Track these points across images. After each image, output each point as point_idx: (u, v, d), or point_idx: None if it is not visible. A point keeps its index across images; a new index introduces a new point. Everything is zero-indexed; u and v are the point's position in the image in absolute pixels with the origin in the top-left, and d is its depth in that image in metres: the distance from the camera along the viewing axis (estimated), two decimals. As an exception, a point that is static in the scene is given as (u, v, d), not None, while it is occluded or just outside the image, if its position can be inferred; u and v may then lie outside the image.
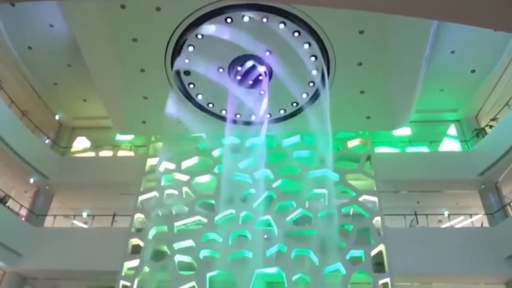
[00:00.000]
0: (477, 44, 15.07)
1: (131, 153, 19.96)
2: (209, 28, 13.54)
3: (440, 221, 18.91)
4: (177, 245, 15.26)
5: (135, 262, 15.17)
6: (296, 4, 12.08)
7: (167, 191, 16.72)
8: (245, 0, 12.55)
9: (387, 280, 14.07)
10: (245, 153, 17.07)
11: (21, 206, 17.41)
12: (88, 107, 19.42)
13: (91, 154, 20.40)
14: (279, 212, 15.67)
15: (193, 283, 14.44)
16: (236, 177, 16.60)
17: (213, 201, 16.25)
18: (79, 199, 19.84)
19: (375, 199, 15.97)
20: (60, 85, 18.17)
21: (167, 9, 13.08)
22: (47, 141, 19.77)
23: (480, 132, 17.68)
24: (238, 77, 15.07)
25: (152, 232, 15.74)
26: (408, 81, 15.06)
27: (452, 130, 19.16)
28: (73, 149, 20.49)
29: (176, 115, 15.48)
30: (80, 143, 20.74)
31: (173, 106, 15.30)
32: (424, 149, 18.64)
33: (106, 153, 20.21)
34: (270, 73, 15.07)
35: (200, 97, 16.03)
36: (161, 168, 17.32)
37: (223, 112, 16.52)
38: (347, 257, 14.52)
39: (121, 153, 20.15)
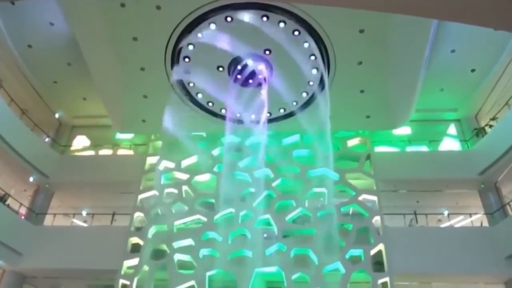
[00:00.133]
0: (477, 43, 15.07)
1: (131, 152, 19.96)
2: (209, 27, 13.52)
3: (439, 220, 18.91)
4: (176, 244, 15.26)
5: (134, 261, 15.18)
6: (296, 3, 12.12)
7: (167, 190, 16.72)
8: (245, -1, 12.56)
9: (387, 279, 14.08)
10: (245, 152, 17.07)
11: (21, 204, 17.41)
12: (88, 106, 19.41)
13: (91, 152, 20.42)
14: (279, 211, 15.67)
15: (192, 282, 14.45)
16: (236, 176, 16.60)
17: (212, 200, 16.26)
18: (78, 198, 19.85)
19: (374, 198, 15.98)
20: (60, 84, 18.16)
21: (167, 8, 13.05)
22: (47, 139, 19.79)
23: (480, 132, 17.70)
24: (238, 76, 15.05)
25: (151, 231, 15.75)
26: (408, 80, 15.06)
27: (452, 129, 19.18)
28: (73, 148, 20.52)
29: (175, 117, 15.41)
30: (80, 142, 20.76)
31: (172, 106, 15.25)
32: (424, 149, 18.66)
33: (105, 151, 20.23)
34: (270, 72, 15.05)
35: (200, 96, 16.02)
36: (161, 167, 17.33)
37: (223, 111, 16.51)
38: (347, 256, 14.52)
39: (120, 151, 20.17)
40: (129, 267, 15.21)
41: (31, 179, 17.79)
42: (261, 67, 14.80)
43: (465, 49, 15.40)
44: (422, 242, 15.29)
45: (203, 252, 15.11)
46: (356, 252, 14.65)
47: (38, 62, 16.86)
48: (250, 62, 14.60)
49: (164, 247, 15.34)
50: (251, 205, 15.76)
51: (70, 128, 20.97)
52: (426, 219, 17.20)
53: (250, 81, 15.17)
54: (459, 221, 17.81)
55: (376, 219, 15.42)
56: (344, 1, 4.40)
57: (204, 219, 15.79)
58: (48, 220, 18.00)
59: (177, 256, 15.08)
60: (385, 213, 15.78)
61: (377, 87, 15.64)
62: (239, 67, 14.83)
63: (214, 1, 12.80)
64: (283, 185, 16.46)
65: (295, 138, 17.52)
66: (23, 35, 15.70)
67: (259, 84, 15.16)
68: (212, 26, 13.47)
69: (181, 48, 14.22)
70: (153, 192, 16.77)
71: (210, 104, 16.34)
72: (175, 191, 16.65)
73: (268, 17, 13.14)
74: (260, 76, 14.97)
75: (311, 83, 15.25)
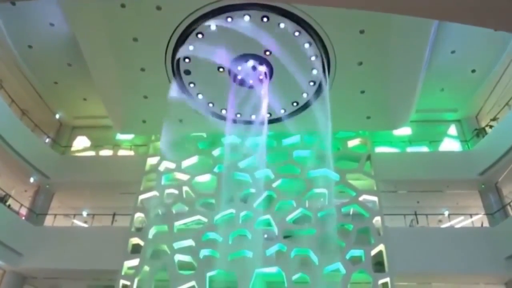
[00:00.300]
0: (478, 44, 15.07)
1: (131, 153, 19.96)
2: (209, 27, 13.53)
3: (440, 221, 18.91)
4: (177, 245, 15.26)
5: (135, 262, 15.18)
6: (297, 3, 12.11)
7: (167, 191, 16.72)
8: (246, 0, 12.55)
9: (387, 280, 14.08)
10: (245, 152, 17.07)
11: (21, 205, 17.42)
12: (88, 106, 19.41)
13: (91, 153, 20.42)
14: (279, 211, 15.66)
15: (193, 283, 14.44)
16: (236, 176, 16.60)
17: (213, 201, 16.25)
18: (79, 198, 19.84)
19: (375, 199, 15.97)
20: (60, 84, 18.17)
21: (168, 8, 13.06)
22: (47, 140, 19.78)
23: (480, 132, 17.69)
24: (239, 77, 15.06)
25: (152, 232, 15.74)
26: (408, 81, 15.06)
27: (452, 130, 19.16)
28: (73, 148, 20.51)
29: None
30: (80, 142, 20.76)
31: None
32: (424, 149, 18.65)
33: (106, 152, 20.22)
34: (270, 73, 15.06)
35: (200, 96, 16.03)
36: (161, 168, 17.33)
37: (224, 111, 16.51)
38: (347, 256, 14.51)
39: (121, 152, 20.15)
40: (129, 268, 15.21)
41: (31, 179, 17.80)
42: (262, 68, 14.80)
43: (465, 49, 15.40)
44: (422, 242, 15.28)
45: (204, 252, 15.11)
46: (357, 252, 14.64)
47: (38, 62, 16.87)
48: (250, 63, 14.60)
49: (165, 247, 15.34)
50: (251, 206, 15.75)
51: (71, 129, 20.96)
52: (426, 220, 17.18)
53: (251, 81, 15.19)
54: (460, 222, 17.81)
55: (377, 220, 15.41)
56: (344, 2, 4.41)
57: (205, 219, 15.79)
58: (48, 221, 18.00)
59: (178, 257, 15.08)
60: (386, 214, 15.76)
61: (378, 88, 15.65)
62: (239, 68, 14.84)
63: (214, 2, 12.81)
64: (284, 185, 16.45)
65: (295, 138, 17.51)
66: (24, 35, 15.72)
67: (259, 85, 15.16)
68: (213, 26, 13.47)
69: (181, 48, 14.21)
70: (154, 193, 16.77)
71: (211, 104, 16.35)
72: (176, 191, 16.65)
73: (268, 18, 13.15)
74: (260, 77, 14.97)
75: (311, 83, 15.25)
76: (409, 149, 18.54)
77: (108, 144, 20.15)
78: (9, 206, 16.39)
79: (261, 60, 14.67)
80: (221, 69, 14.91)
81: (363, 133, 17.80)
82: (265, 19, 13.19)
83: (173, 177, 17.32)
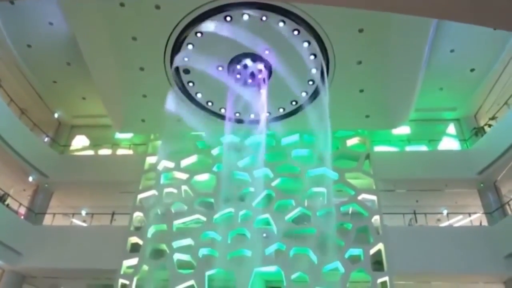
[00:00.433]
0: (477, 43, 15.07)
1: (130, 152, 19.94)
2: (208, 26, 13.51)
3: (439, 220, 18.95)
4: (176, 244, 15.26)
5: (134, 261, 15.18)
6: (296, 2, 12.11)
7: (166, 190, 16.72)
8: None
9: (386, 278, 14.09)
10: (244, 151, 17.07)
11: (20, 204, 17.41)
12: (87, 106, 19.39)
13: (90, 152, 20.41)
14: (278, 210, 15.67)
15: (192, 282, 14.45)
16: (235, 175, 16.60)
17: (212, 200, 16.25)
18: (78, 198, 19.83)
19: (374, 197, 15.98)
20: (59, 83, 18.14)
21: (167, 7, 13.05)
22: (46, 139, 19.76)
23: (479, 131, 17.70)
24: (238, 76, 15.05)
25: (151, 231, 15.74)
26: (407, 80, 15.07)
27: (451, 129, 19.18)
28: (72, 148, 20.49)
29: (175, 113, 15.47)
30: (79, 142, 20.73)
31: (172, 104, 15.30)
32: (423, 148, 18.67)
33: (105, 151, 20.20)
34: (269, 72, 15.06)
35: (199, 95, 16.02)
36: (160, 167, 17.33)
37: (222, 110, 16.51)
38: (346, 255, 14.52)
39: (120, 151, 20.14)
40: (128, 267, 15.21)
41: (30, 178, 17.78)
42: (261, 67, 14.80)
43: (464, 48, 15.41)
44: (421, 241, 15.30)
45: (203, 251, 15.12)
46: (356, 251, 14.65)
47: (37, 61, 16.84)
48: (249, 62, 14.59)
49: (164, 246, 15.34)
50: (250, 205, 15.76)
51: (70, 128, 20.94)
52: (425, 219, 17.22)
53: (250, 80, 15.17)
54: (459, 221, 17.84)
55: (376, 219, 15.42)
56: (344, 1, 4.41)
57: (204, 218, 15.79)
58: (47, 220, 17.99)
59: (177, 256, 15.08)
60: (385, 213, 15.77)
61: (377, 87, 15.65)
62: (238, 67, 14.84)
63: (213, 1, 12.80)
64: (283, 184, 16.46)
65: (294, 137, 17.51)
66: (23, 34, 15.69)
67: (259, 84, 15.16)
68: (212, 25, 13.45)
69: (180, 47, 14.21)
70: (153, 192, 16.77)
71: (210, 103, 16.35)
72: (175, 190, 16.65)
73: (267, 17, 13.14)
74: (259, 76, 14.97)
75: (310, 82, 15.25)
76: (408, 148, 18.55)
77: (107, 143, 20.13)
78: (7, 205, 16.37)
79: (260, 59, 14.66)
80: (220, 68, 14.90)
81: (362, 132, 17.80)
82: (264, 18, 13.18)
83: (172, 176, 17.32)
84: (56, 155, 18.86)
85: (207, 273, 14.55)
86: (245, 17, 13.22)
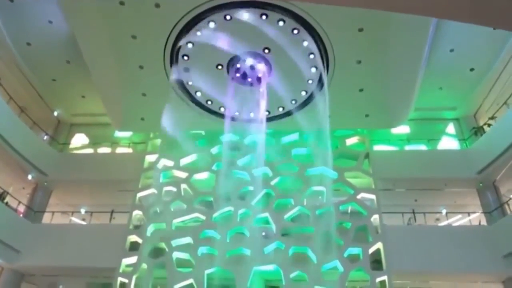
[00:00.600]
0: (476, 42, 15.06)
1: (130, 150, 19.93)
2: (208, 25, 13.49)
3: (438, 219, 18.97)
4: (175, 242, 15.27)
5: (133, 259, 15.20)
6: (295, 1, 12.09)
7: (166, 188, 16.72)
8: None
9: (385, 278, 14.12)
10: (243, 150, 17.07)
11: (19, 202, 17.39)
12: (86, 104, 19.38)
13: (90, 150, 20.40)
14: (277, 209, 15.67)
15: (191, 280, 14.46)
16: (235, 174, 16.60)
17: (211, 198, 16.27)
18: (77, 196, 19.84)
19: (373, 197, 15.99)
20: (58, 82, 18.12)
21: (166, 6, 13.02)
22: (45, 137, 19.76)
23: (478, 131, 17.72)
24: (237, 74, 15.03)
25: (150, 229, 15.76)
26: (407, 79, 15.06)
27: (451, 128, 19.19)
28: (71, 146, 20.49)
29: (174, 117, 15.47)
30: (79, 140, 20.73)
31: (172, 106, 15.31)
32: (423, 147, 18.68)
33: (104, 150, 20.20)
34: (269, 71, 15.04)
35: (199, 94, 16.01)
36: (160, 165, 17.32)
37: (222, 109, 16.50)
38: (345, 254, 14.55)
39: (119, 150, 20.14)
40: (127, 265, 15.22)
41: (29, 177, 17.77)
42: (260, 66, 14.79)
43: (464, 48, 15.40)
44: (420, 240, 15.32)
45: (202, 250, 15.13)
46: (355, 250, 14.67)
47: (37, 60, 16.82)
48: (249, 61, 14.58)
49: (163, 245, 15.35)
50: (249, 204, 15.77)
51: (69, 126, 20.94)
52: (424, 218, 17.23)
53: (249, 79, 15.15)
54: (458, 220, 17.87)
55: (375, 218, 15.44)
56: (344, 0, 4.40)
57: (203, 217, 15.80)
58: (46, 218, 17.99)
59: (176, 254, 15.09)
60: (384, 212, 15.79)
61: (376, 86, 15.64)
62: (238, 66, 14.82)
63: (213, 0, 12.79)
64: (282, 183, 16.47)
65: (294, 136, 17.52)
66: (22, 33, 15.66)
67: (258, 83, 15.15)
68: (211, 24, 13.43)
69: (180, 46, 14.19)
70: (152, 190, 16.77)
71: (209, 102, 16.33)
72: (174, 189, 16.65)
73: (267, 16, 13.11)
74: (259, 75, 14.96)
75: (310, 81, 15.24)
76: (408, 147, 18.57)
77: (106, 141, 20.13)
78: (7, 203, 16.37)
79: (260, 58, 14.64)
80: (219, 67, 14.88)
81: (361, 131, 17.80)
82: (264, 17, 13.16)
83: (172, 174, 17.33)
84: (55, 153, 18.85)
85: (206, 271, 14.56)
86: (245, 16, 13.20)
